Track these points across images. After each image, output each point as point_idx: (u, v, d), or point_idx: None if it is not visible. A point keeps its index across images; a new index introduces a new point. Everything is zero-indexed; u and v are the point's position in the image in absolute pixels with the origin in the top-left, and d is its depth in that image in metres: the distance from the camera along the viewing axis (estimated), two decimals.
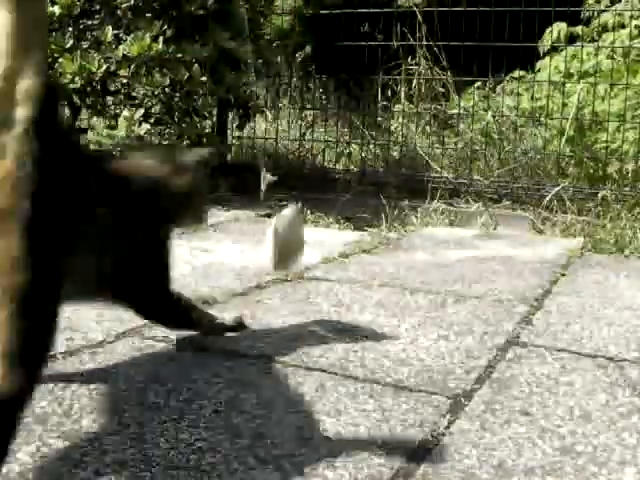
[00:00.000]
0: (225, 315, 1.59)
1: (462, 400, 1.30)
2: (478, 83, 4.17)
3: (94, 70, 2.97)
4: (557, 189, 3.17)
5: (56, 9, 3.01)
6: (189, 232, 2.54)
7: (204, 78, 3.11)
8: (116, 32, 3.05)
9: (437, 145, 3.85)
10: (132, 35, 2.97)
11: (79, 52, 2.99)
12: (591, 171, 3.45)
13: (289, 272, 1.99)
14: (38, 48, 0.90)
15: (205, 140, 3.52)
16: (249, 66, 3.38)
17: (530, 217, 3.03)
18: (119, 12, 3.06)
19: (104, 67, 2.98)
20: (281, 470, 1.04)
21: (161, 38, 2.97)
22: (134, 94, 3.08)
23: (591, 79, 3.54)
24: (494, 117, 3.78)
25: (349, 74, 4.31)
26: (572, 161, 3.51)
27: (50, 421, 1.15)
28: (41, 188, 0.89)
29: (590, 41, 3.92)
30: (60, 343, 1.49)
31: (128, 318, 1.66)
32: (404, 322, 1.72)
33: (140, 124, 2.99)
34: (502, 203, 3.31)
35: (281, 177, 3.73)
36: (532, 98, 3.74)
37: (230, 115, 3.91)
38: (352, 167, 3.95)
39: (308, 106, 4.52)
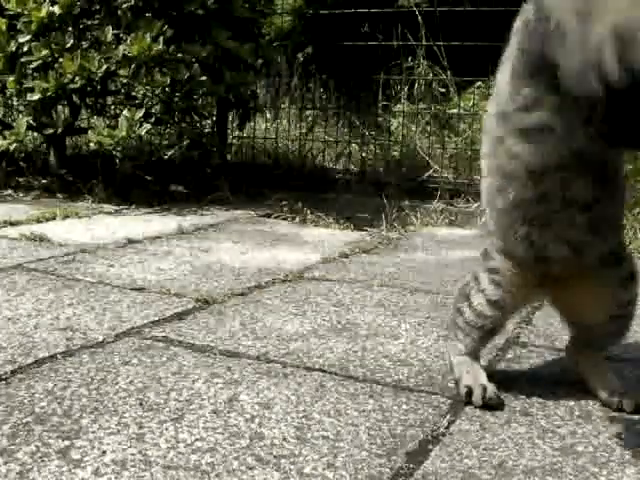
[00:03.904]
0: None
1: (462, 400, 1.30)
2: (478, 83, 4.16)
3: (94, 70, 2.97)
4: None
5: (56, 9, 3.01)
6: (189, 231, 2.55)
7: (204, 78, 3.11)
8: (116, 32, 3.05)
9: (437, 145, 3.85)
10: (132, 35, 2.97)
11: (79, 52, 2.99)
12: None
13: None
14: None
15: (205, 140, 3.52)
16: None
17: None
18: (119, 12, 3.05)
19: (104, 67, 2.98)
20: (281, 470, 1.04)
21: (161, 38, 2.97)
22: (134, 94, 3.08)
23: None
24: None
25: (349, 74, 4.31)
26: None
27: (50, 421, 1.15)
28: None
29: None
30: (60, 343, 1.49)
31: (128, 318, 1.67)
32: (404, 322, 1.72)
33: (140, 124, 2.99)
34: None
35: (281, 177, 3.74)
36: None
37: (230, 115, 3.91)
38: (352, 167, 3.95)
39: (308, 106, 4.52)
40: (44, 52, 3.01)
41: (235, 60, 3.33)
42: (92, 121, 3.81)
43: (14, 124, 3.29)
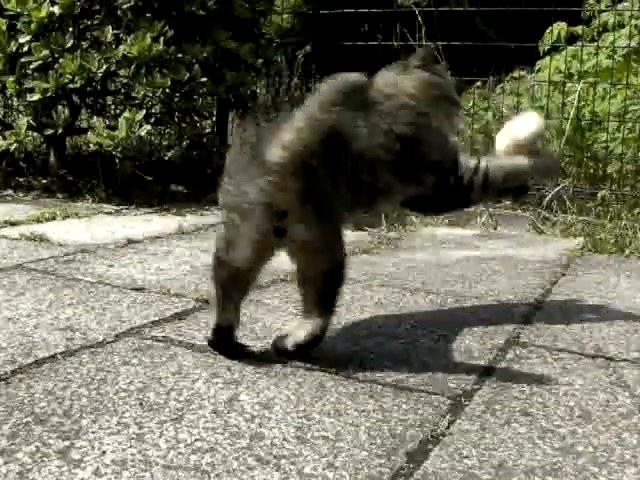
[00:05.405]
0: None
1: (462, 400, 1.30)
2: (478, 83, 4.16)
3: (94, 70, 2.97)
4: (557, 189, 3.16)
5: (56, 9, 3.01)
6: None
7: (204, 78, 3.11)
8: (116, 32, 3.05)
9: None
10: (132, 35, 2.97)
11: (79, 52, 2.99)
12: (591, 171, 3.45)
13: None
14: None
15: (205, 140, 3.52)
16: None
17: (530, 217, 3.03)
18: (119, 12, 3.05)
19: (104, 67, 2.98)
20: (281, 470, 1.04)
21: (162, 38, 2.97)
22: (134, 94, 3.08)
23: (591, 79, 3.54)
24: (494, 117, 3.78)
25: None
26: (572, 161, 3.51)
27: (50, 421, 1.15)
28: None
29: (590, 41, 3.92)
30: (60, 343, 1.49)
31: (128, 318, 1.67)
32: (404, 322, 1.72)
33: (140, 125, 2.98)
34: (502, 203, 3.31)
35: None
36: (532, 98, 3.74)
37: (230, 115, 3.90)
38: None
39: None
40: (44, 52, 3.01)
41: (235, 60, 3.33)
42: (92, 121, 3.80)
43: (14, 124, 3.29)
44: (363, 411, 1.24)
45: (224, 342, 1.46)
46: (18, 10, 3.03)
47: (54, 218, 2.80)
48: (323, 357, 1.47)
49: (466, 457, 1.10)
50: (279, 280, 2.03)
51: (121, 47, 2.98)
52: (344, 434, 1.15)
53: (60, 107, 3.29)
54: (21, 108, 3.54)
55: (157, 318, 1.67)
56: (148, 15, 3.06)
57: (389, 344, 1.56)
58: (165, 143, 3.59)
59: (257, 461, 1.06)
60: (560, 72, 3.78)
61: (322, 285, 1.40)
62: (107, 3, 3.07)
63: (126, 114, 3.01)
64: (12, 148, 3.17)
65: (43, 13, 2.99)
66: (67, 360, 1.41)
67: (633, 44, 3.58)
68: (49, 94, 3.01)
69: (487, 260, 2.39)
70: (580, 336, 1.65)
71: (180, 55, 3.06)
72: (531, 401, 1.30)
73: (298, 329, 1.43)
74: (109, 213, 2.98)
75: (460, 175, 1.59)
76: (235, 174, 1.38)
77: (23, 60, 3.04)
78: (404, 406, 1.26)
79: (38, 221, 2.73)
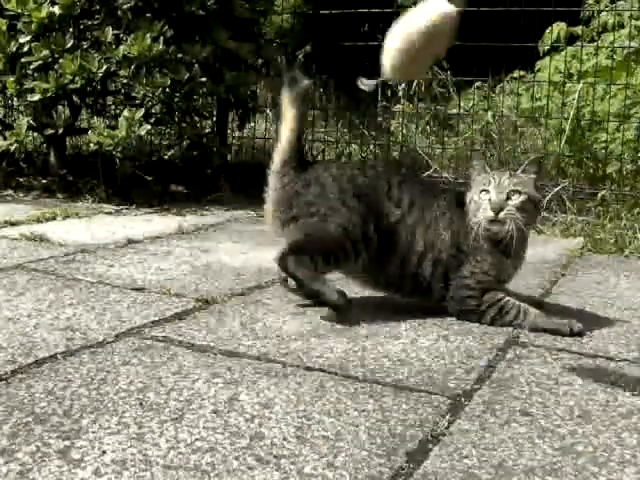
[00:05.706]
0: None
1: (462, 400, 1.30)
2: (478, 83, 4.16)
3: (94, 70, 2.97)
4: (557, 189, 3.16)
5: (56, 9, 3.01)
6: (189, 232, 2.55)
7: (204, 78, 3.11)
8: (116, 32, 3.05)
9: (437, 145, 3.85)
10: (132, 35, 2.97)
11: (79, 52, 2.99)
12: (591, 171, 3.45)
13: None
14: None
15: (205, 140, 3.52)
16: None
17: None
18: (119, 12, 3.05)
19: (104, 67, 2.98)
20: (281, 470, 1.04)
21: (161, 38, 2.97)
22: (134, 94, 3.08)
23: (590, 79, 3.54)
24: (494, 117, 3.78)
25: (349, 74, 4.30)
26: (572, 161, 3.51)
27: (50, 421, 1.15)
28: None
29: (590, 41, 3.92)
30: (60, 343, 1.49)
31: (128, 318, 1.67)
32: (404, 322, 1.72)
33: (140, 124, 2.99)
34: None
35: None
36: (532, 98, 3.74)
37: (230, 115, 3.90)
38: None
39: (308, 106, 4.51)
40: (44, 52, 3.01)
41: (235, 60, 3.33)
42: (92, 121, 3.80)
43: (14, 124, 3.29)
44: (363, 411, 1.24)
45: None
46: (18, 10, 3.03)
47: (54, 218, 2.80)
48: (323, 357, 1.47)
49: (466, 457, 1.10)
50: (279, 281, 2.03)
51: (121, 47, 2.98)
52: (344, 434, 1.15)
53: (60, 107, 3.30)
54: (21, 108, 3.54)
55: (157, 318, 1.67)
56: (148, 15, 3.06)
57: (389, 344, 1.56)
58: (165, 143, 3.59)
59: (257, 461, 1.06)
60: (560, 72, 3.78)
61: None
62: (107, 3, 3.07)
63: (126, 113, 3.01)
64: (12, 148, 3.17)
65: (43, 13, 2.99)
66: (67, 360, 1.41)
67: (633, 44, 3.58)
68: (49, 94, 3.02)
69: None
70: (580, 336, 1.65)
71: (180, 55, 3.06)
72: (531, 401, 1.30)
73: None
74: (109, 213, 2.98)
75: (483, 302, 1.73)
76: None
77: (23, 60, 3.05)
78: (404, 406, 1.26)
79: (38, 221, 2.73)
